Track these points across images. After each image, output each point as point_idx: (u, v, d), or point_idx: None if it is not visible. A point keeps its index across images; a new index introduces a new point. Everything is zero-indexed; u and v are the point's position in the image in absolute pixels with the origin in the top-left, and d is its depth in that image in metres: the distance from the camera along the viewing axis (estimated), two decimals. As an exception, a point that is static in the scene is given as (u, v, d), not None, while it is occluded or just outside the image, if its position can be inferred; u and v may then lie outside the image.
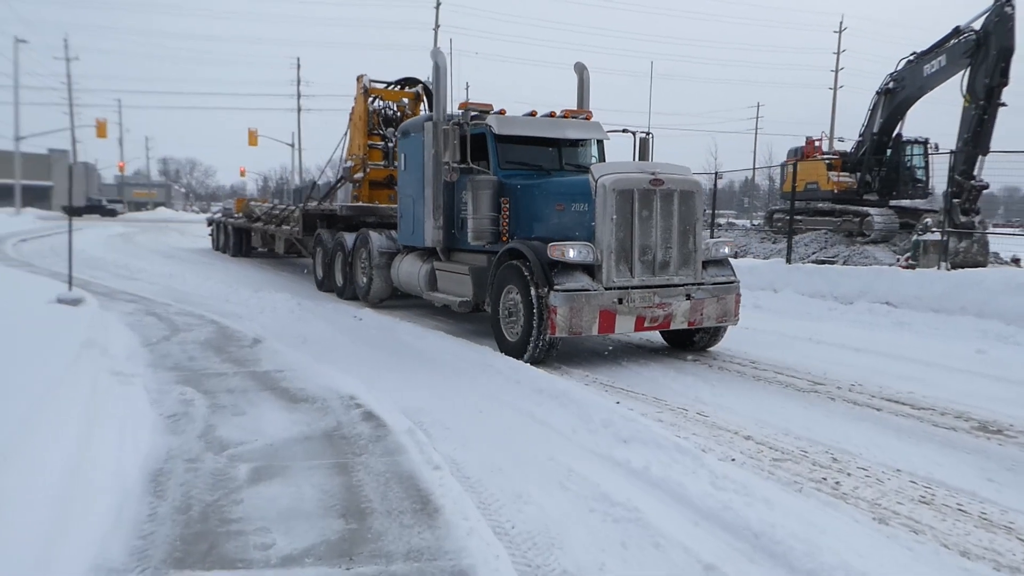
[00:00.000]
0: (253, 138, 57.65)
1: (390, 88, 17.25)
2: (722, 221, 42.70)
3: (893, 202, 27.04)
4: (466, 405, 6.86)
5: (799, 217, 28.24)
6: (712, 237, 21.88)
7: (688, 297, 8.87)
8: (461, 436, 5.89)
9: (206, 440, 5.34)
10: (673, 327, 8.97)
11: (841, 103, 67.07)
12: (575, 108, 11.97)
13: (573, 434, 6.01)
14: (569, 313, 8.22)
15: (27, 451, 4.25)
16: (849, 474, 5.32)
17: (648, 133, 11.27)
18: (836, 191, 26.90)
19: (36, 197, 69.46)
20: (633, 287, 8.54)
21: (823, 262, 18.85)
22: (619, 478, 5.04)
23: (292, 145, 70.44)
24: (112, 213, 65.45)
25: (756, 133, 79.37)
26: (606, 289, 8.42)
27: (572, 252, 8.35)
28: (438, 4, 56.43)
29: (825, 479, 5.20)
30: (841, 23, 63.78)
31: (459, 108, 10.86)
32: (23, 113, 52.04)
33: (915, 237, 17.48)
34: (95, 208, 64.99)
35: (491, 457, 5.41)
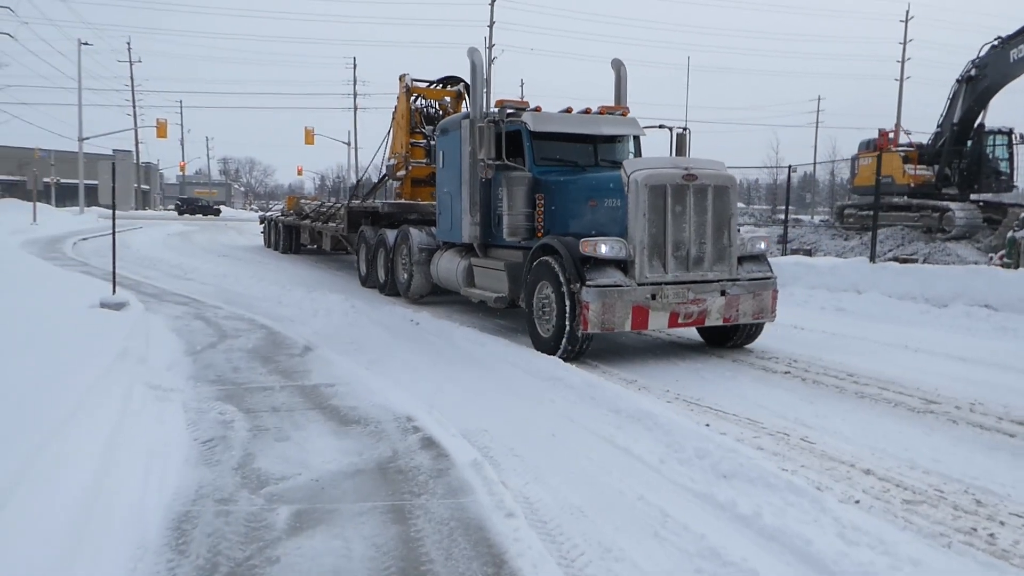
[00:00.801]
0: (310, 137, 57.83)
1: (432, 87, 17.38)
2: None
3: (974, 196, 25.56)
4: (536, 426, 6.11)
5: (871, 212, 26.90)
6: (786, 233, 20.99)
7: (723, 293, 8.74)
8: (533, 467, 5.14)
9: (243, 474, 4.65)
10: (708, 323, 8.83)
11: (908, 95, 64.75)
12: (613, 104, 11.90)
13: (662, 465, 5.21)
14: (601, 309, 8.15)
15: (34, 486, 3.62)
16: (1002, 523, 4.42)
17: (685, 128, 11.15)
18: (913, 185, 25.49)
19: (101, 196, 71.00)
20: (666, 283, 8.46)
21: (903, 260, 17.66)
22: (726, 526, 4.23)
23: (348, 143, 70.58)
24: (216, 212, 69.40)
25: (817, 126, 77.28)
26: (639, 285, 8.36)
27: (604, 248, 8.32)
28: (492, 1, 55.82)
29: (975, 529, 4.31)
30: (908, 12, 61.56)
31: (495, 106, 10.88)
32: (88, 114, 52.80)
33: (1011, 234, 16.20)
34: (202, 208, 68.90)
35: (570, 495, 4.64)
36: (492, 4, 56.06)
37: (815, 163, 58.81)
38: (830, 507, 4.36)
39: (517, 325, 11.08)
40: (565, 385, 7.32)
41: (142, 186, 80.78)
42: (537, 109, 10.87)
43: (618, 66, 12.29)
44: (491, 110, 10.98)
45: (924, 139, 27.72)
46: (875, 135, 29.15)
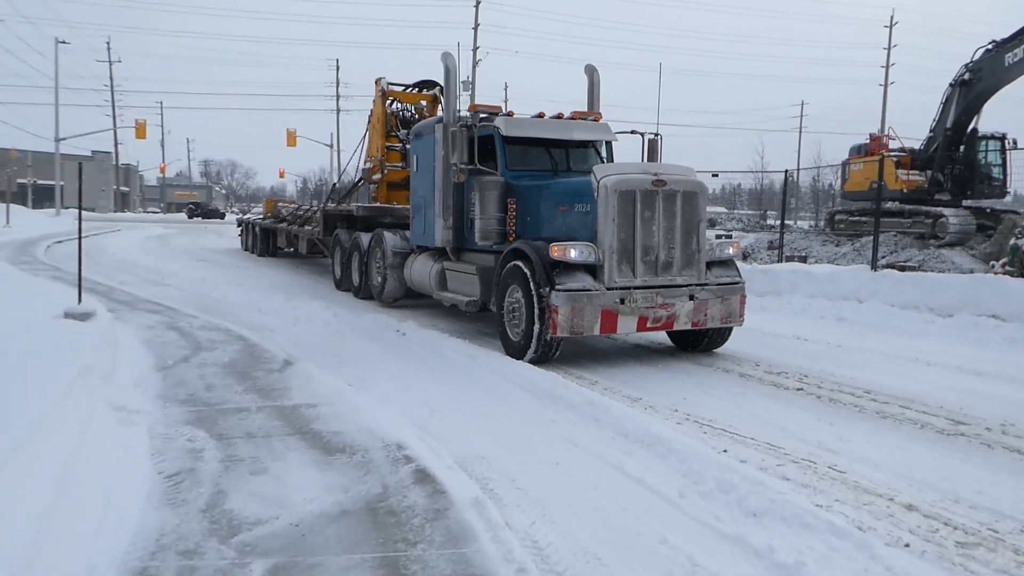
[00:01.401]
0: (292, 139, 57.07)
1: (408, 91, 17.50)
2: (772, 223, 40.98)
3: (967, 202, 25.26)
4: (537, 452, 5.58)
5: (863, 218, 26.58)
6: (781, 240, 20.60)
7: (692, 298, 8.79)
8: (539, 502, 4.60)
9: (212, 517, 4.07)
10: (676, 328, 8.91)
11: (892, 100, 64.74)
12: (586, 109, 11.96)
13: (682, 500, 4.69)
14: (571, 313, 8.20)
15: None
16: (1072, 571, 3.93)
17: (656, 134, 11.30)
18: (905, 190, 25.14)
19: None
20: (635, 287, 8.51)
21: (901, 267, 17.25)
22: (766, 579, 3.71)
23: (331, 146, 69.81)
24: (222, 216, 71.20)
25: (800, 131, 77.33)
26: (608, 289, 8.40)
27: (574, 252, 8.37)
28: (477, 3, 55.36)
29: (1044, 580, 3.82)
30: (892, 17, 61.65)
31: (468, 110, 10.94)
32: (66, 115, 51.86)
33: (1013, 241, 15.83)
34: (213, 213, 71.30)
35: (583, 537, 4.11)
36: (477, 6, 55.64)
37: (818, 167, 58.56)
38: (879, 553, 3.86)
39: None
40: (566, 404, 6.79)
41: (122, 188, 79.81)
42: (510, 114, 10.91)
43: (591, 72, 12.37)
44: (464, 114, 10.94)
45: (912, 144, 27.50)
46: (862, 139, 28.90)
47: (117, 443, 4.96)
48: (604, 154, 11.26)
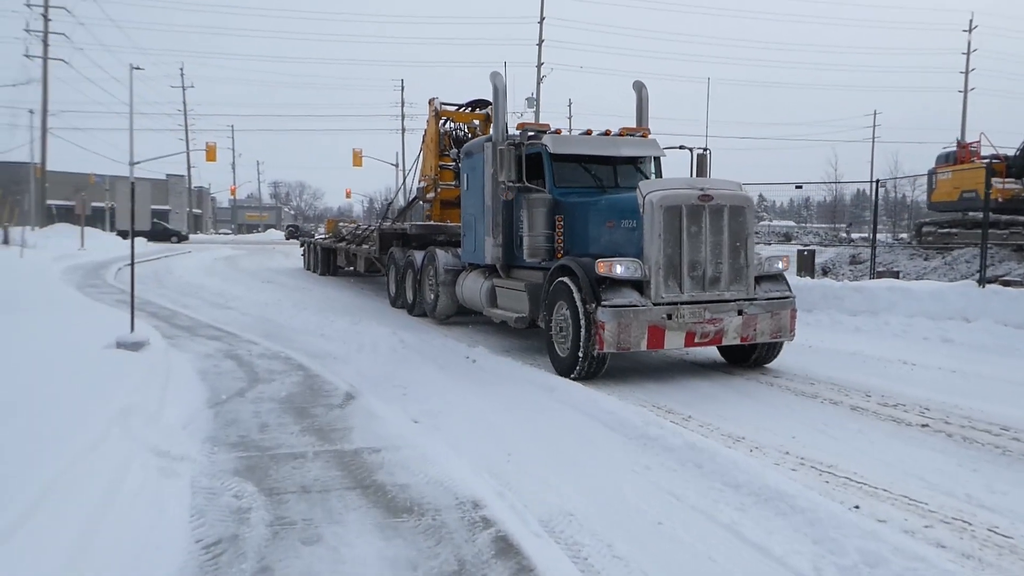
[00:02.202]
0: (357, 158, 57.18)
1: (460, 110, 17.54)
2: (855, 235, 39.32)
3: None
4: (634, 508, 4.79)
5: (954, 230, 25.09)
6: (873, 254, 19.36)
7: (740, 312, 8.69)
8: (645, 578, 3.81)
9: (253, 605, 3.40)
10: (725, 343, 8.81)
11: (972, 107, 62.05)
12: (634, 125, 11.96)
13: (821, 578, 3.84)
14: (617, 329, 8.16)
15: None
16: None
17: (705, 149, 11.26)
18: (1001, 199, 23.56)
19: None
20: (683, 302, 8.44)
21: (1008, 283, 15.91)
22: None
23: (396, 165, 70.02)
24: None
25: (873, 142, 74.84)
26: (655, 305, 8.36)
27: (619, 268, 8.36)
28: (541, 20, 54.84)
29: None
30: (971, 21, 59.20)
31: (517, 128, 10.99)
32: (141, 140, 52.83)
33: None
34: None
35: (706, 631, 3.31)
36: (541, 23, 55.08)
37: (914, 176, 56.51)
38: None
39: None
40: (661, 446, 5.97)
41: (194, 210, 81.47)
42: (557, 131, 11.01)
43: (639, 88, 12.36)
44: (513, 133, 11.01)
45: (1005, 151, 25.88)
46: (938, 148, 27.38)
47: (152, 500, 4.32)
48: (652, 170, 11.23)
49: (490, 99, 15.93)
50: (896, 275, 17.96)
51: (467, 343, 10.94)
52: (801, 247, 28.12)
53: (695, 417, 7.10)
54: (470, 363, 9.74)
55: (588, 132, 11.24)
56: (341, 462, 5.40)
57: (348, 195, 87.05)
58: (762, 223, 58.65)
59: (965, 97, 60.19)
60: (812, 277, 18.91)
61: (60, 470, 4.08)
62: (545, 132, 10.80)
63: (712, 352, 10.06)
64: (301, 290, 19.89)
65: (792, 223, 74.81)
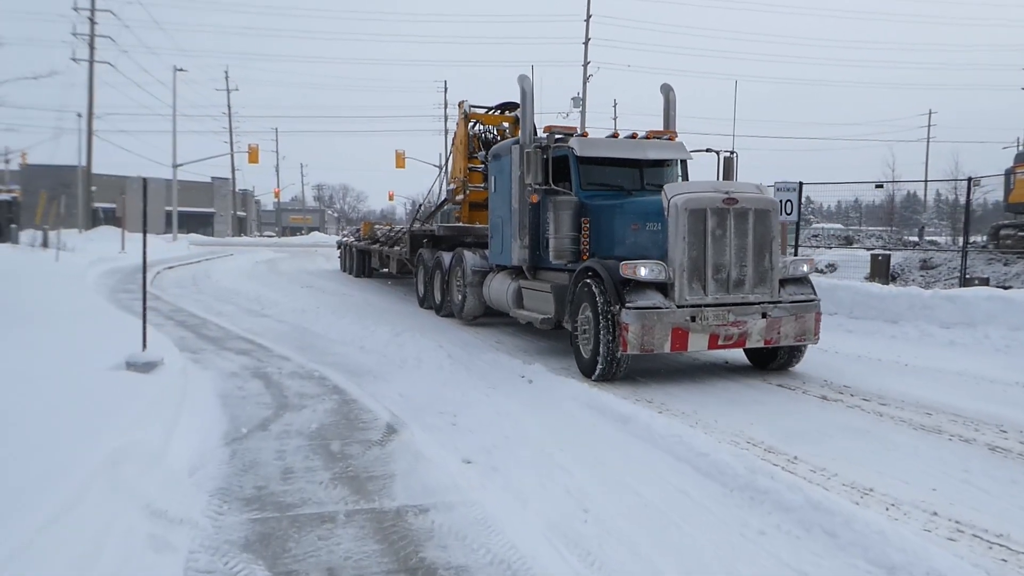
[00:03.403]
0: (400, 160, 56.55)
1: (489, 113, 17.56)
2: (935, 238, 37.43)
3: None
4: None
5: (1026, 234, 23.33)
6: (964, 262, 17.89)
7: (764, 315, 8.68)
8: None
9: None
10: (748, 345, 8.82)
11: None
12: (662, 128, 12.00)
13: None
14: (641, 330, 8.19)
15: None
16: None
17: (732, 152, 11.18)
18: (1090, 200, 21.83)
19: (200, 223, 71.91)
20: (706, 305, 8.45)
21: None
22: None
23: (439, 167, 69.29)
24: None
25: (928, 141, 72.27)
26: (678, 307, 8.38)
27: (644, 270, 8.38)
28: (588, 18, 53.56)
29: None
30: (1038, 14, 56.72)
31: (544, 131, 11.00)
32: (186, 142, 52.89)
33: None
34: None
35: None
36: (587, 21, 53.80)
37: (1010, 174, 54.25)
38: None
39: (662, 379, 8.60)
40: (775, 503, 4.78)
41: (239, 212, 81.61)
42: (584, 134, 11.10)
43: (667, 91, 12.31)
44: (540, 135, 11.04)
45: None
46: (1019, 147, 25.56)
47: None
48: (679, 173, 11.22)
49: (517, 102, 15.59)
50: (986, 282, 16.47)
51: (521, 359, 9.83)
52: (871, 250, 26.54)
53: (802, 458, 5.90)
54: (525, 383, 8.64)
55: (615, 135, 11.39)
56: (380, 528, 4.29)
57: (391, 197, 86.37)
58: (813, 225, 56.67)
59: (1029, 94, 57.78)
60: (887, 283, 17.50)
61: (6, 556, 3.05)
62: (572, 135, 10.83)
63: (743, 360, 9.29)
64: (340, 295, 18.96)
65: (840, 226, 72.53)
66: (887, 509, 4.84)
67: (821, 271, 24.05)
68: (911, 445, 6.30)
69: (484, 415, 7.10)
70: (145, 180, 7.31)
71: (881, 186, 17.79)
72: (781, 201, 16.22)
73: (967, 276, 16.83)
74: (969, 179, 15.71)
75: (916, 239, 35.89)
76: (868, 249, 30.14)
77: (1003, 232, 25.26)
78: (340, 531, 4.23)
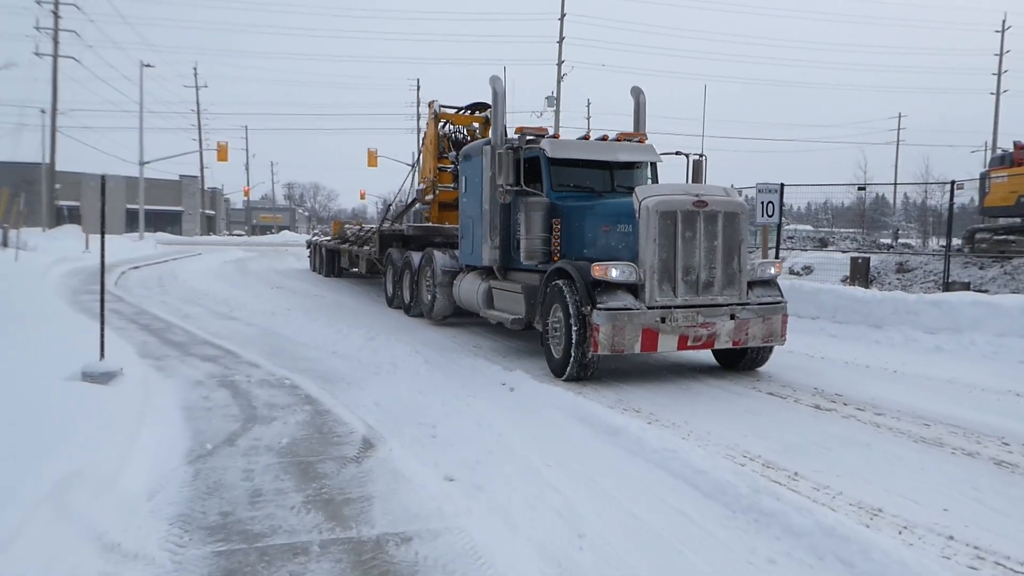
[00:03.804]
0: (372, 158, 55.97)
1: (460, 113, 17.64)
2: (908, 241, 37.55)
3: None
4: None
5: (1011, 237, 23.37)
6: (947, 264, 17.79)
7: (733, 317, 8.79)
8: None
9: None
10: (717, 346, 8.94)
11: (1005, 110, 60.04)
12: (632, 131, 12.17)
13: None
14: (611, 331, 8.24)
15: None
16: None
17: (701, 155, 11.35)
18: (1065, 203, 21.87)
19: (168, 222, 70.78)
20: (676, 306, 8.55)
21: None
22: None
23: (412, 165, 68.68)
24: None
25: (898, 144, 72.93)
26: (648, 308, 8.45)
27: (615, 272, 8.44)
28: (562, 16, 53.29)
29: None
30: (1004, 21, 57.25)
31: (515, 132, 11.03)
32: (154, 139, 51.86)
33: None
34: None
35: None
36: (562, 20, 53.55)
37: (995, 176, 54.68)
38: None
39: (643, 389, 8.27)
40: (783, 528, 4.45)
41: (207, 211, 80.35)
42: (555, 136, 11.16)
43: (637, 94, 12.43)
44: (511, 136, 11.05)
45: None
46: (964, 152, 25.68)
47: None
48: (649, 175, 11.33)
49: (487, 102, 15.61)
50: (967, 286, 16.36)
51: (501, 364, 9.47)
52: (846, 252, 26.49)
53: (803, 475, 5.59)
54: (507, 391, 8.27)
55: (586, 137, 11.49)
56: (359, 561, 3.88)
57: (363, 196, 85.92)
58: (786, 227, 56.78)
59: (997, 99, 58.35)
60: (867, 286, 17.34)
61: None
62: (543, 136, 10.87)
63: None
64: (311, 296, 18.48)
65: (810, 227, 72.81)
66: (900, 532, 4.53)
67: (797, 273, 23.91)
68: (915, 460, 6.02)
69: (465, 426, 6.72)
70: (103, 177, 6.83)
71: (863, 189, 17.66)
72: (762, 203, 15.99)
73: (946, 281, 16.68)
74: (952, 183, 15.56)
75: (890, 242, 35.90)
76: (843, 251, 30.14)
77: (978, 236, 25.31)
78: (314, 565, 3.81)
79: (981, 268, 23.04)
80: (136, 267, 27.81)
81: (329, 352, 10.46)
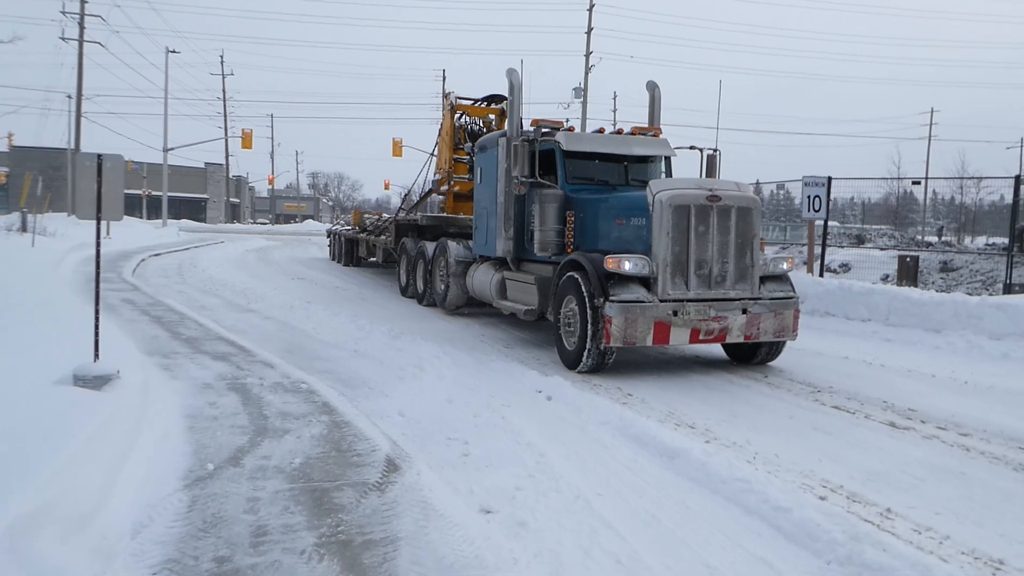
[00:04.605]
0: (397, 149, 55.28)
1: (476, 105, 17.71)
2: (933, 239, 36.37)
3: None
4: None
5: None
6: (1010, 263, 16.77)
7: (744, 311, 8.76)
8: None
9: None
10: (729, 340, 8.90)
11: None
12: (647, 124, 12.16)
13: None
14: (624, 323, 8.24)
15: None
16: None
17: (715, 150, 11.38)
18: None
19: (192, 209, 70.71)
20: (688, 300, 8.53)
21: None
22: None
23: (430, 155, 67.92)
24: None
25: (930, 139, 71.18)
26: (661, 301, 8.44)
27: (628, 264, 8.44)
28: (591, 7, 52.25)
29: None
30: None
31: (531, 124, 11.04)
32: (180, 127, 51.43)
33: None
34: None
35: None
36: (590, 10, 52.52)
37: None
38: None
39: (706, 401, 7.47)
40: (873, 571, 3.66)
41: (232, 199, 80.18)
42: (571, 129, 11.08)
43: (652, 88, 12.44)
44: (527, 129, 11.05)
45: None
46: (1006, 148, 24.45)
47: None
48: (663, 169, 11.37)
49: (506, 94, 14.93)
50: (1027, 289, 15.36)
51: (538, 369, 8.71)
52: (884, 250, 25.46)
53: (897, 511, 4.80)
54: (544, 400, 7.51)
55: (600, 130, 11.58)
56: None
57: (387, 186, 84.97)
58: (818, 223, 55.28)
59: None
60: (915, 286, 16.40)
61: None
62: (558, 129, 10.85)
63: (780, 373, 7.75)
64: (331, 288, 17.81)
65: (835, 223, 71.31)
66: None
67: (834, 271, 22.96)
68: (1022, 494, 5.19)
69: (500, 443, 5.97)
70: (100, 157, 6.12)
71: (918, 183, 16.69)
72: (808, 197, 15.12)
73: (1008, 283, 15.68)
74: (1017, 177, 14.56)
75: (934, 239, 34.75)
76: (882, 248, 29.05)
77: (1028, 233, 24.17)
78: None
79: (1032, 267, 21.99)
80: (157, 254, 27.33)
81: (350, 351, 9.75)
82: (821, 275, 15.86)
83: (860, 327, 12.56)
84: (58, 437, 4.36)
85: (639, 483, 5.19)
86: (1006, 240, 26.53)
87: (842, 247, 30.64)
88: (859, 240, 34.02)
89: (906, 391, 8.26)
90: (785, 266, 9.47)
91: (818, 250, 16.81)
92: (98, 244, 6.64)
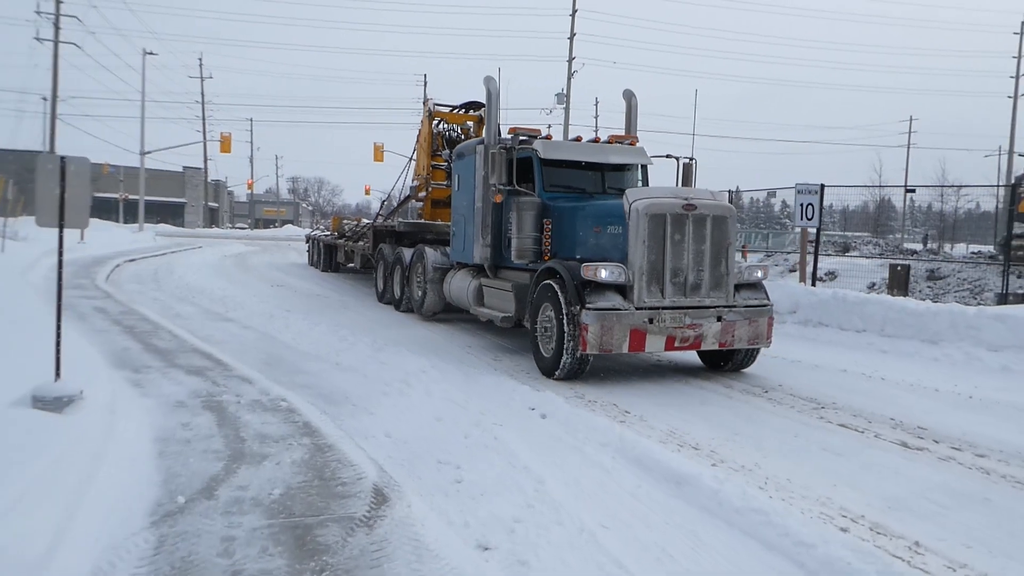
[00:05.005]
0: (379, 154, 54.81)
1: (454, 111, 17.68)
2: (917, 247, 36.32)
3: None
4: None
5: (1051, 244, 22.10)
6: (1006, 272, 16.61)
7: (719, 319, 8.84)
8: None
9: None
10: (704, 348, 8.96)
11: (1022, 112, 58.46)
12: (623, 133, 12.28)
13: None
14: (600, 331, 8.28)
15: None
16: None
17: (691, 159, 11.45)
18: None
19: (170, 213, 69.82)
20: (664, 307, 8.59)
21: None
22: None
23: (408, 160, 67.37)
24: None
25: (909, 147, 71.51)
26: (637, 309, 8.49)
27: (604, 272, 8.49)
28: (574, 12, 52.04)
29: None
30: (1023, 24, 55.82)
31: (509, 132, 11.02)
32: (158, 130, 50.72)
33: None
34: None
35: None
36: (573, 15, 52.28)
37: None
38: None
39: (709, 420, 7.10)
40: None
41: (211, 203, 79.23)
42: (548, 137, 11.20)
43: (629, 96, 12.49)
44: (505, 136, 11.09)
45: None
46: (984, 156, 24.43)
47: None
48: (639, 177, 11.46)
49: (482, 101, 14.93)
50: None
51: (529, 384, 8.33)
52: (870, 258, 25.30)
53: (926, 545, 4.46)
54: (538, 418, 7.12)
55: (578, 139, 11.53)
56: None
57: (367, 191, 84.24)
58: (796, 231, 55.30)
59: (1015, 103, 56.90)
60: (906, 295, 16.16)
61: None
62: (536, 137, 10.85)
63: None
64: (312, 296, 17.34)
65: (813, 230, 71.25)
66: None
67: (821, 279, 22.76)
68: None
69: (495, 467, 5.58)
70: (63, 159, 5.68)
71: (913, 191, 16.48)
72: (801, 205, 14.86)
73: (1004, 292, 15.46)
74: (1013, 184, 14.36)
75: (917, 247, 34.66)
76: (867, 257, 28.90)
77: (1016, 242, 24.09)
78: None
79: (1019, 276, 21.87)
80: (132, 260, 26.74)
81: (332, 364, 9.33)
82: (813, 284, 15.60)
83: (855, 338, 12.29)
84: (8, 469, 3.92)
85: (646, 513, 4.81)
86: (989, 248, 26.51)
87: (828, 255, 30.53)
88: (844, 248, 33.95)
89: (912, 407, 7.96)
90: (759, 274, 9.54)
91: (810, 258, 16.52)
92: (60, 253, 6.20)
